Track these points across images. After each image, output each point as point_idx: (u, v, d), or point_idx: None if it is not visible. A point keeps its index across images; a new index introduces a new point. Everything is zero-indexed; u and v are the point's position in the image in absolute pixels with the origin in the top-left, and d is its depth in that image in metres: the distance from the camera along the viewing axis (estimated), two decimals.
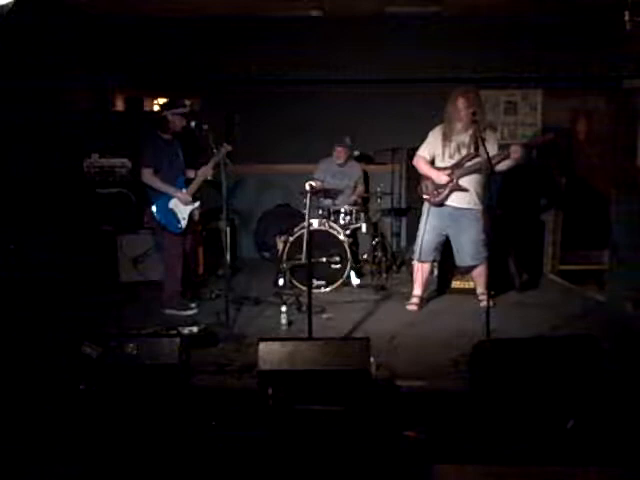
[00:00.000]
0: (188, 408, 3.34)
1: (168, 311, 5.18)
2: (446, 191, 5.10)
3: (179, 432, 3.13)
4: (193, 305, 5.28)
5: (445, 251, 5.43)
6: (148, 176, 5.09)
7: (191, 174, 5.29)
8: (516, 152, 4.86)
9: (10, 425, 3.16)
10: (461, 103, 4.98)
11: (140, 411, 3.27)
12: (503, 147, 5.09)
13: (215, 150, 4.86)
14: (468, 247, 5.14)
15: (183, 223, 5.18)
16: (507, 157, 4.84)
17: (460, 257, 5.24)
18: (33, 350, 4.05)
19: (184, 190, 5.19)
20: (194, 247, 5.63)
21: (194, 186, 5.22)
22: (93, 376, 3.44)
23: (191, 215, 5.24)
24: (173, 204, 5.14)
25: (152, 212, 5.13)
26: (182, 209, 5.17)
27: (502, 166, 4.88)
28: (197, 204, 5.26)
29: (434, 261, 5.51)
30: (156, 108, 7.47)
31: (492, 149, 4.79)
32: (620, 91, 6.80)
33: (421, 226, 5.28)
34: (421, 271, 5.40)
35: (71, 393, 3.37)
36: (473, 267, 5.27)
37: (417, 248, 5.34)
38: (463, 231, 5.14)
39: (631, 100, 6.68)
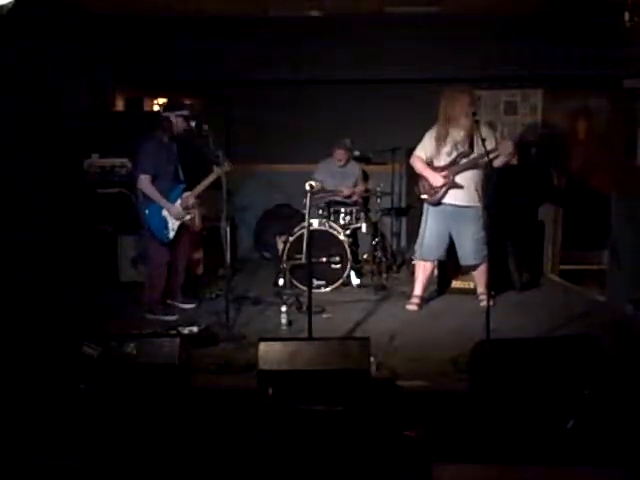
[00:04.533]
0: (188, 408, 3.34)
1: (149, 316, 5.08)
2: (443, 189, 5.11)
3: (179, 432, 3.13)
4: (175, 311, 5.23)
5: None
6: (146, 183, 4.95)
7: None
8: (507, 148, 4.86)
9: (11, 424, 3.16)
10: (454, 102, 4.99)
11: (140, 411, 3.27)
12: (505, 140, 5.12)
13: (215, 153, 4.81)
14: (470, 245, 5.15)
15: (171, 234, 5.08)
16: (499, 154, 4.84)
17: (463, 256, 5.25)
18: (33, 350, 4.05)
19: (178, 201, 5.09)
20: (190, 252, 5.62)
21: (185, 201, 5.14)
22: (93, 376, 3.43)
23: (183, 225, 5.15)
24: (166, 212, 5.05)
25: (144, 216, 5.03)
26: (174, 220, 5.07)
27: (497, 163, 4.88)
28: (188, 217, 5.17)
29: (436, 261, 5.50)
30: (156, 108, 7.47)
31: (491, 145, 4.79)
32: (620, 91, 6.79)
33: (422, 225, 5.29)
34: (423, 271, 5.40)
35: (71, 393, 3.37)
36: (475, 266, 5.28)
37: (418, 247, 5.35)
38: (464, 229, 5.14)
39: (631, 100, 6.67)
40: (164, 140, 5.07)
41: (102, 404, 3.31)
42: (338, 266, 5.95)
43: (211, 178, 5.10)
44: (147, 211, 5.02)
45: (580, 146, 7.25)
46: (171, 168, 5.10)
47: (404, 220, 7.39)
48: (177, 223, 5.10)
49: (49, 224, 5.76)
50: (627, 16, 4.77)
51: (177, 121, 5.01)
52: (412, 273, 5.82)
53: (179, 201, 5.11)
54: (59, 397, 3.37)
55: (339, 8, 6.56)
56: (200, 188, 5.18)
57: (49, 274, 5.51)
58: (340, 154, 6.73)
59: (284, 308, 4.91)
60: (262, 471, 2.85)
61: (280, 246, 6.36)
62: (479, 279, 5.35)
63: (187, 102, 5.42)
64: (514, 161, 6.94)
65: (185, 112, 5.03)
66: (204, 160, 5.34)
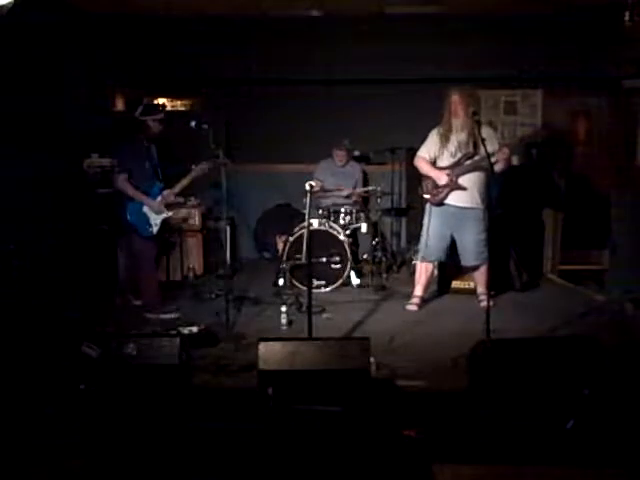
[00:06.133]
0: (188, 408, 3.34)
1: (148, 315, 5.09)
2: (446, 190, 5.11)
3: (179, 432, 3.13)
4: (174, 308, 5.27)
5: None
6: (122, 182, 5.12)
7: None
8: (503, 154, 4.89)
9: (11, 425, 3.16)
10: (458, 103, 4.99)
11: (140, 411, 3.27)
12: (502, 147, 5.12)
13: (216, 151, 4.83)
14: (471, 247, 5.15)
15: (155, 229, 5.19)
16: (497, 160, 4.83)
17: (464, 257, 5.25)
18: (33, 350, 4.05)
19: (159, 198, 5.19)
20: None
21: (165, 198, 5.23)
22: (93, 376, 3.43)
23: (164, 223, 5.25)
24: (147, 208, 5.16)
25: (124, 213, 5.13)
26: (154, 215, 5.18)
27: (496, 167, 4.87)
28: (171, 213, 5.29)
29: (438, 262, 5.49)
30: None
31: (492, 147, 4.80)
32: (620, 91, 6.80)
33: (424, 226, 5.28)
34: (423, 271, 5.40)
35: (71, 393, 3.37)
36: (476, 267, 5.28)
37: (420, 248, 5.35)
38: (466, 231, 5.14)
39: (631, 100, 6.68)
40: (142, 142, 5.20)
41: (102, 404, 3.31)
42: (338, 266, 5.95)
43: (190, 177, 5.21)
44: (127, 208, 5.14)
45: (580, 146, 7.26)
46: (149, 168, 5.22)
47: (404, 220, 7.39)
48: (159, 219, 5.19)
49: (49, 224, 5.75)
50: (627, 16, 4.78)
51: (153, 124, 5.17)
52: (412, 273, 5.82)
53: (159, 198, 5.22)
54: (59, 397, 3.37)
55: (339, 8, 6.56)
56: (180, 186, 5.26)
57: (49, 274, 5.51)
58: (339, 155, 6.74)
59: (284, 308, 4.91)
60: (262, 471, 2.85)
61: (280, 246, 6.37)
62: (479, 279, 5.35)
63: (162, 105, 5.53)
64: (514, 161, 6.98)
65: (160, 115, 5.22)
66: (183, 160, 5.41)
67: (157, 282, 5.31)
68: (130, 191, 5.13)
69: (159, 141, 5.28)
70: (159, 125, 5.18)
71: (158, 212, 5.18)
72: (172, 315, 5.11)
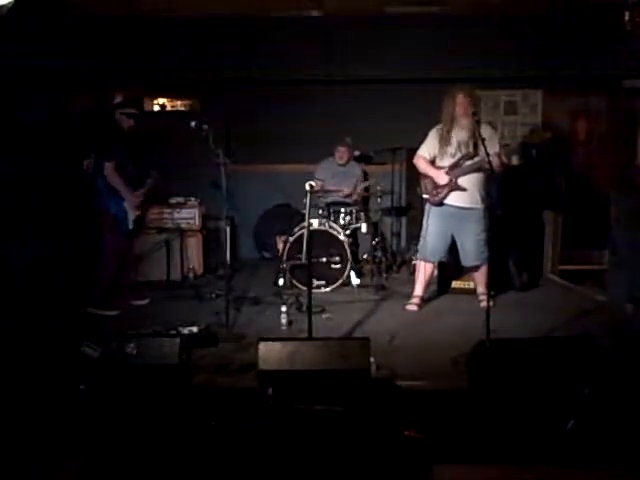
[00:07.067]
0: (188, 408, 3.34)
1: (91, 310, 5.12)
2: (445, 190, 5.10)
3: (179, 432, 3.13)
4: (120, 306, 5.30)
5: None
6: (111, 171, 5.08)
7: None
8: (499, 160, 4.89)
9: (11, 425, 3.16)
10: (458, 103, 4.99)
11: (140, 411, 3.27)
12: (503, 147, 5.12)
13: (216, 151, 4.84)
14: (471, 247, 5.15)
15: (131, 225, 5.24)
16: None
17: (464, 257, 5.25)
18: (33, 350, 4.05)
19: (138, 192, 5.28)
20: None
21: (138, 198, 5.30)
22: (93, 376, 3.43)
23: (136, 222, 5.30)
24: (126, 204, 5.19)
25: (108, 205, 5.14)
26: (131, 212, 5.22)
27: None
28: (138, 212, 5.30)
29: (438, 262, 5.49)
30: (156, 108, 7.47)
31: (492, 147, 4.79)
32: (620, 91, 6.81)
33: (424, 226, 5.28)
34: (423, 271, 5.39)
35: (71, 393, 3.37)
36: (475, 267, 5.28)
37: (420, 248, 5.34)
38: (466, 231, 5.14)
39: (631, 100, 6.69)
40: (120, 137, 5.22)
41: (102, 404, 3.31)
42: (338, 266, 5.95)
43: (148, 185, 5.35)
44: (112, 201, 5.14)
45: (580, 146, 7.26)
46: (125, 162, 5.23)
47: (404, 220, 7.39)
48: (134, 215, 5.24)
49: (49, 224, 5.76)
50: (627, 16, 4.77)
51: (121, 119, 5.17)
52: (412, 273, 5.83)
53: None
54: (59, 397, 3.37)
55: (339, 8, 6.56)
56: (144, 190, 5.34)
57: (49, 274, 5.51)
58: (341, 152, 6.74)
59: (284, 308, 4.91)
60: (262, 471, 2.85)
61: (280, 246, 6.37)
62: (479, 279, 5.35)
63: (134, 101, 5.58)
64: (514, 161, 6.98)
65: (128, 110, 5.21)
66: (144, 164, 5.46)
67: (111, 281, 5.26)
68: (117, 182, 5.10)
69: (129, 139, 5.26)
70: (128, 120, 5.16)
71: (134, 209, 5.22)
72: (114, 312, 5.14)
